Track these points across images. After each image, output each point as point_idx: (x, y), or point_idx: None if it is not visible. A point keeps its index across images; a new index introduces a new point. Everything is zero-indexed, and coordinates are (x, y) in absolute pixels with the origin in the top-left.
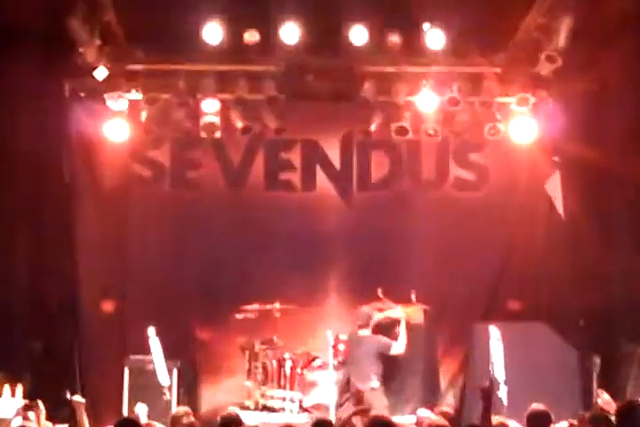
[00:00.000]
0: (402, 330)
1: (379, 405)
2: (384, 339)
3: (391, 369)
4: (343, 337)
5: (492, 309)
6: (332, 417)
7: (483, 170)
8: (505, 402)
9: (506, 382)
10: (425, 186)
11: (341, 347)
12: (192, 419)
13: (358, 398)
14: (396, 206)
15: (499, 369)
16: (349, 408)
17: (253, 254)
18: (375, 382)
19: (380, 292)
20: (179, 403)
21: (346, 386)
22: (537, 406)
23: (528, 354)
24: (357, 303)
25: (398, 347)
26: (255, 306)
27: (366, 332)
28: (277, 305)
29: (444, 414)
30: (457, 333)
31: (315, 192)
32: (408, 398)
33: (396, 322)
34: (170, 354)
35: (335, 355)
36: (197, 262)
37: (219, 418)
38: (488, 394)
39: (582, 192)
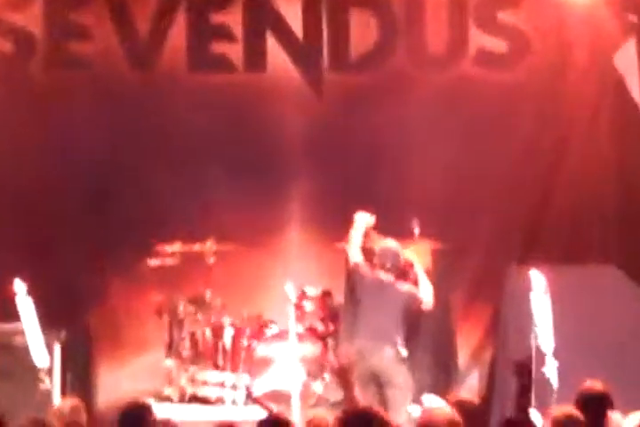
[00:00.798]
0: (420, 273)
1: (405, 384)
2: (413, 288)
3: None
4: (311, 291)
5: (535, 246)
6: (296, 413)
7: (520, 37)
8: (555, 383)
9: (555, 354)
10: (432, 63)
11: (308, 306)
12: (83, 417)
13: (345, 378)
14: (389, 95)
15: (545, 335)
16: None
17: (173, 169)
18: (403, 350)
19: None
20: (64, 393)
21: (325, 362)
22: (591, 384)
23: (589, 312)
24: (330, 241)
25: (428, 300)
26: (177, 247)
27: (389, 277)
28: (211, 245)
29: (461, 405)
30: (481, 282)
31: (265, 74)
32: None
33: (408, 262)
34: (50, 320)
35: (300, 318)
36: (88, 181)
37: (119, 410)
38: (525, 370)
39: None
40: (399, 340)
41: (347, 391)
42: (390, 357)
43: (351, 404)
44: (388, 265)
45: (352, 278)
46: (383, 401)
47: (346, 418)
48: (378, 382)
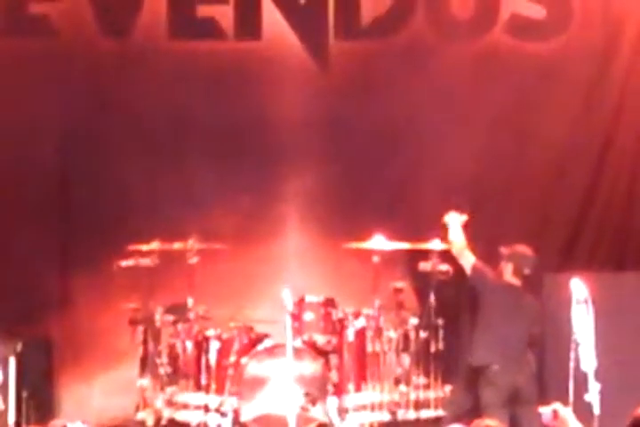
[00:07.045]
0: None
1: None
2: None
3: None
4: (312, 299)
5: (575, 250)
6: None
7: (561, 1)
8: (597, 409)
9: (598, 375)
10: (458, 31)
11: (308, 316)
12: None
13: None
14: (405, 67)
15: (586, 353)
16: None
17: (151, 154)
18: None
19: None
20: (19, 416)
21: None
22: None
23: (638, 327)
24: (334, 240)
25: None
26: (154, 244)
27: (518, 283)
28: (193, 243)
29: None
30: None
31: (260, 42)
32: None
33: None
34: (3, 330)
35: (298, 330)
36: (49, 165)
37: None
38: None
39: None
40: (530, 353)
41: None
42: (531, 373)
43: None
44: (526, 271)
45: (473, 283)
46: (516, 422)
47: None
48: (514, 400)
